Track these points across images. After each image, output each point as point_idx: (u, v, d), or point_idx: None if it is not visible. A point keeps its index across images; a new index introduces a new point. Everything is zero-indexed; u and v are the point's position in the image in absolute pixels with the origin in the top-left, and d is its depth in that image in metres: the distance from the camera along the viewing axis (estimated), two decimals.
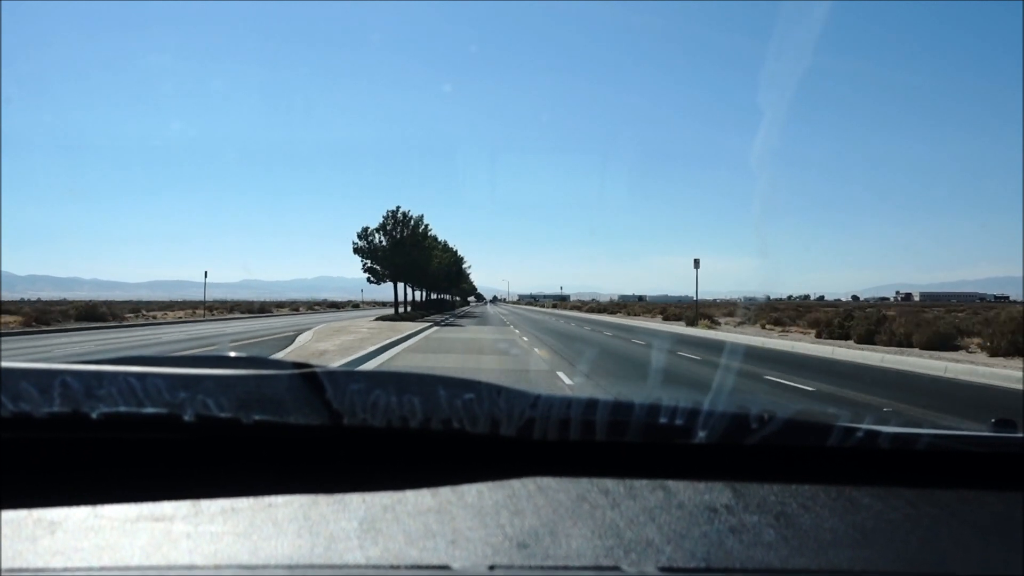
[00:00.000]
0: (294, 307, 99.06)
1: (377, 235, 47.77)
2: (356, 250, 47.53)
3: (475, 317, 59.92)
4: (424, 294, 69.85)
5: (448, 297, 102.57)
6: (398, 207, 49.05)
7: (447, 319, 50.37)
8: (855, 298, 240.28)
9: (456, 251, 75.23)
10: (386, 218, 48.36)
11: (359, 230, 47.94)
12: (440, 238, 65.96)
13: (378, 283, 48.39)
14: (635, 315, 63.21)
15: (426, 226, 50.43)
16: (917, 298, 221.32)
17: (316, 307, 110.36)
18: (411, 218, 49.11)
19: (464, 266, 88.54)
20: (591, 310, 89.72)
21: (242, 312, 69.77)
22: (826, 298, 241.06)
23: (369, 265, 47.73)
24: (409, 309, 60.86)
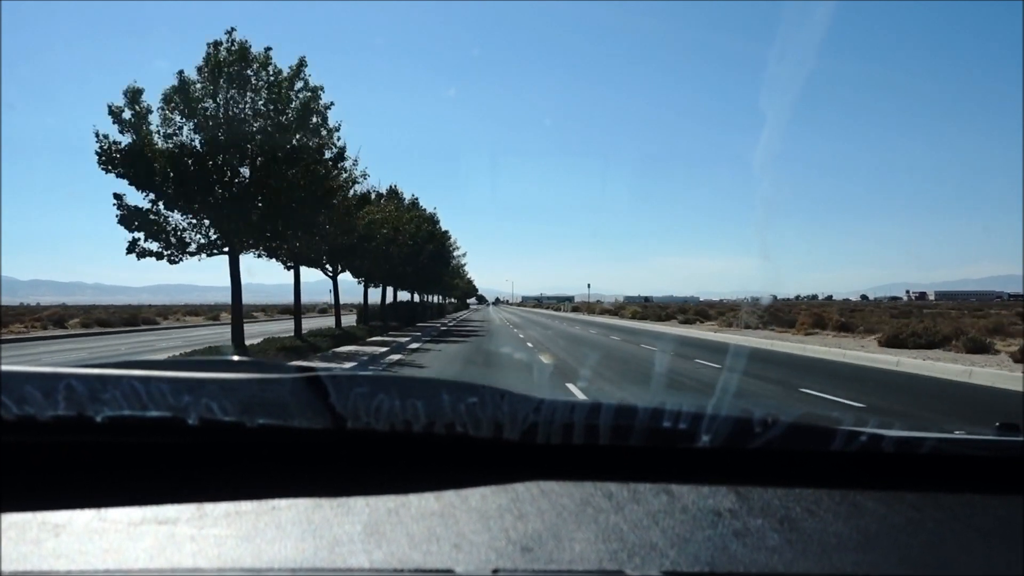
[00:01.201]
0: (213, 315, 65.27)
1: (167, 119, 14.43)
2: (105, 159, 14.15)
3: (469, 335, 30.28)
4: (390, 292, 38.09)
5: (437, 299, 70.38)
6: (232, 30, 15.07)
7: (396, 350, 20.65)
8: (864, 297, 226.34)
9: (435, 218, 40.75)
10: (205, 65, 14.77)
11: (119, 99, 14.29)
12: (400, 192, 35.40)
13: (174, 258, 15.22)
14: (726, 326, 34.17)
15: (316, 90, 15.62)
16: (932, 297, 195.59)
17: (258, 313, 72.78)
18: (258, 59, 15.05)
19: (456, 253, 57.40)
20: (636, 316, 56.30)
21: (64, 327, 36.08)
22: (834, 298, 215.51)
23: (143, 211, 14.66)
24: (358, 321, 32.81)
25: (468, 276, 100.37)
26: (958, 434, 1.09)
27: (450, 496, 0.86)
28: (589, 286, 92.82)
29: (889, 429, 1.02)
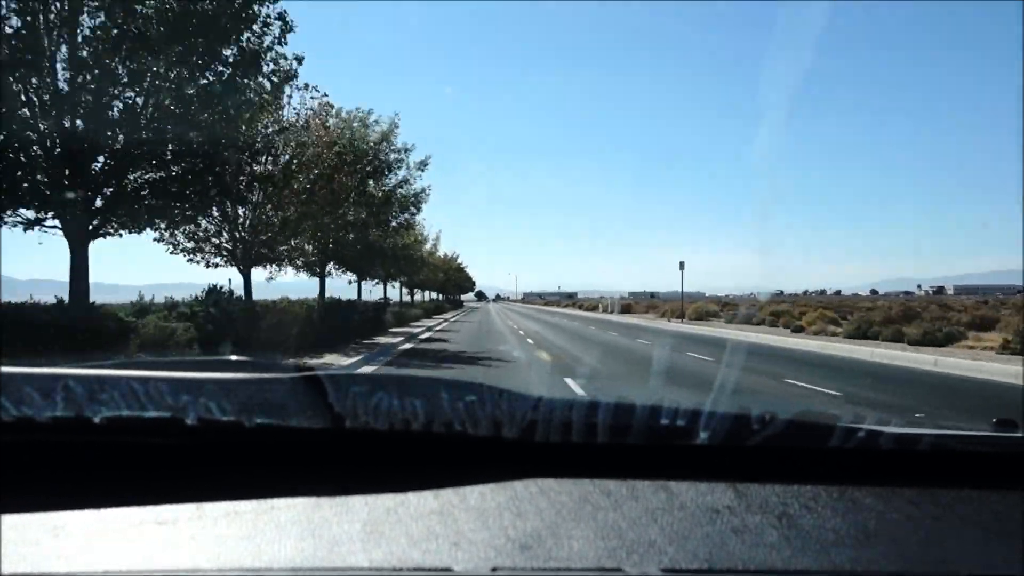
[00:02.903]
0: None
1: None
2: None
3: None
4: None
5: (407, 292, 47.97)
6: None
7: None
8: (874, 292, 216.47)
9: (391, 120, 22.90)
10: None
11: None
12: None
13: None
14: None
15: None
16: (951, 291, 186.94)
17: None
18: None
19: (415, 182, 27.41)
20: (810, 325, 25.78)
21: None
22: (842, 292, 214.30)
23: None
24: None
25: (452, 256, 71.03)
26: (956, 430, 1.08)
27: (449, 495, 0.86)
28: (683, 266, 49.98)
29: (886, 425, 1.02)
